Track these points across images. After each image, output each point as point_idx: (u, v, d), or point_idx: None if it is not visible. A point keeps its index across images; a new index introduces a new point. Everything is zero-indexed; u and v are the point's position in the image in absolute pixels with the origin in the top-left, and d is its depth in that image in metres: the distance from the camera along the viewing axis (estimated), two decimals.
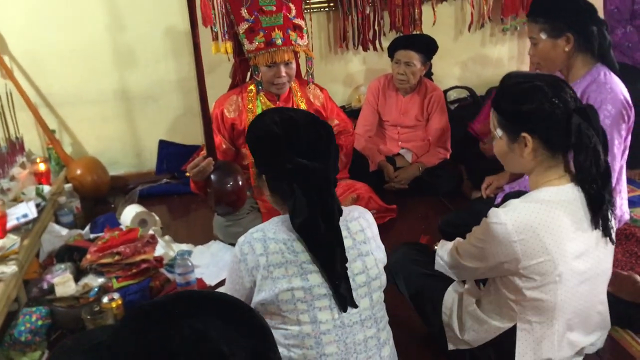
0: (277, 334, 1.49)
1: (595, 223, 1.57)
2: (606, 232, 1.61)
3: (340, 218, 1.54)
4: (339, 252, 1.48)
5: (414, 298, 1.97)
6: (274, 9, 2.68)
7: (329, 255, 1.47)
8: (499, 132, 1.67)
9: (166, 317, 0.80)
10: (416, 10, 3.86)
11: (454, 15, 4.08)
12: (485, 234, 1.60)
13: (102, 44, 3.58)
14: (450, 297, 1.84)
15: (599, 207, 1.56)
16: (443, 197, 3.31)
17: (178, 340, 0.76)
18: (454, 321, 1.80)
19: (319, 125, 1.56)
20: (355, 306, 1.49)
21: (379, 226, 2.90)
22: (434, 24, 3.92)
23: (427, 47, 3.36)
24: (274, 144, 1.52)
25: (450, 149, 3.50)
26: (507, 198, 2.10)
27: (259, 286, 1.48)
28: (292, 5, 2.75)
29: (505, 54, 4.26)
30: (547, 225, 1.53)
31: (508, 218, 1.54)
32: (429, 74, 3.69)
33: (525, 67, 4.21)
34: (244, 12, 2.66)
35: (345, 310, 1.48)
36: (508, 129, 1.64)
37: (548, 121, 1.55)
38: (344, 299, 1.47)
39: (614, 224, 1.66)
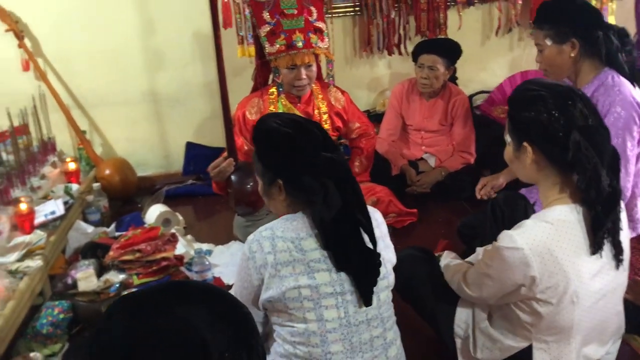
0: (283, 331, 1.51)
1: (594, 247, 1.51)
2: (616, 257, 1.55)
3: None
4: (371, 238, 1.50)
5: (418, 304, 1.93)
6: (296, 12, 2.73)
7: (359, 244, 1.48)
8: (507, 138, 1.64)
9: (152, 305, 0.84)
10: (441, 15, 3.85)
11: (481, 19, 4.06)
12: (497, 260, 1.54)
13: (132, 47, 3.68)
14: (464, 310, 1.80)
15: (595, 230, 1.50)
16: (465, 201, 3.29)
17: (162, 327, 0.80)
18: (469, 336, 1.76)
19: (315, 123, 1.61)
20: (365, 305, 1.50)
21: (399, 230, 2.97)
22: (459, 28, 3.91)
23: (451, 51, 3.35)
24: (292, 143, 1.53)
25: (475, 153, 3.48)
26: (494, 204, 2.07)
27: (266, 284, 1.49)
28: (313, 9, 2.79)
29: (533, 58, 4.19)
30: (562, 246, 1.49)
31: (524, 242, 1.48)
32: (453, 78, 3.67)
33: None
34: (265, 15, 2.71)
35: (369, 304, 1.49)
36: (514, 135, 1.61)
37: (545, 133, 1.50)
38: (371, 290, 1.49)
39: (625, 251, 1.59)
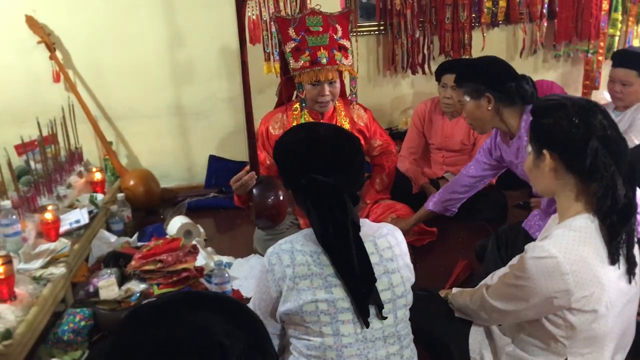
0: (299, 344, 1.52)
1: (611, 257, 1.50)
2: (629, 271, 1.54)
3: (369, 234, 1.55)
4: (361, 268, 1.47)
5: (424, 340, 1.86)
6: (321, 29, 2.77)
7: (349, 269, 1.48)
8: (529, 148, 1.66)
9: (166, 314, 0.87)
10: (466, 35, 3.88)
11: (505, 40, 4.07)
12: (528, 271, 1.52)
13: (160, 61, 3.76)
14: (476, 340, 1.79)
15: (611, 240, 1.50)
16: (486, 222, 3.28)
17: (181, 334, 0.82)
18: None
19: (344, 139, 1.59)
20: (384, 318, 1.50)
21: (418, 248, 2.97)
22: (482, 49, 3.92)
23: None
24: (292, 160, 1.58)
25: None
26: (501, 232, 2.08)
27: (284, 297, 1.51)
28: (338, 27, 2.83)
29: (558, 80, 4.19)
30: (591, 253, 1.48)
31: (556, 250, 1.48)
32: None
33: (578, 94, 4.14)
34: (291, 32, 2.76)
35: (367, 326, 1.49)
36: (534, 144, 1.63)
37: (564, 139, 1.53)
38: (366, 314, 1.48)
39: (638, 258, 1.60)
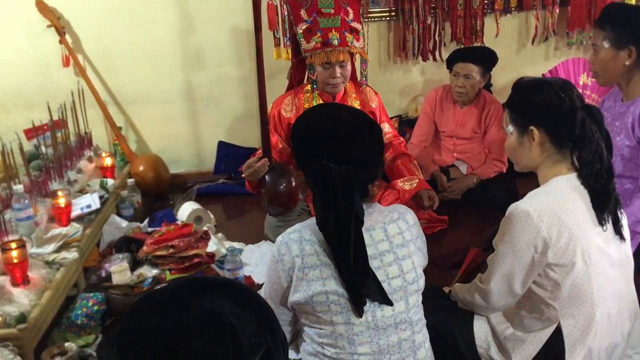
0: (311, 332, 1.52)
1: (600, 220, 1.60)
2: (617, 230, 1.65)
3: (379, 220, 1.54)
4: (356, 264, 1.44)
5: (432, 334, 1.83)
6: (332, 11, 2.77)
7: (344, 262, 1.45)
8: (510, 129, 1.73)
9: (173, 301, 0.87)
10: (478, 22, 3.84)
11: (517, 27, 4.03)
12: (508, 230, 1.62)
13: (170, 46, 3.74)
14: (481, 328, 1.82)
15: (605, 203, 1.60)
16: (497, 210, 3.26)
17: (190, 318, 0.83)
18: (494, 352, 1.77)
19: (364, 127, 1.53)
20: (391, 304, 1.49)
21: (429, 236, 2.93)
22: (496, 36, 3.89)
23: (487, 59, 3.34)
24: (307, 143, 1.55)
25: (507, 163, 3.45)
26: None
27: (294, 286, 1.50)
28: (350, 9, 2.83)
29: None
30: (566, 208, 1.57)
31: (527, 205, 1.59)
32: (487, 86, 3.65)
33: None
34: (303, 14, 2.76)
35: (360, 316, 1.47)
36: (518, 123, 1.70)
37: (554, 113, 1.61)
38: (358, 304, 1.46)
39: (624, 222, 1.70)
